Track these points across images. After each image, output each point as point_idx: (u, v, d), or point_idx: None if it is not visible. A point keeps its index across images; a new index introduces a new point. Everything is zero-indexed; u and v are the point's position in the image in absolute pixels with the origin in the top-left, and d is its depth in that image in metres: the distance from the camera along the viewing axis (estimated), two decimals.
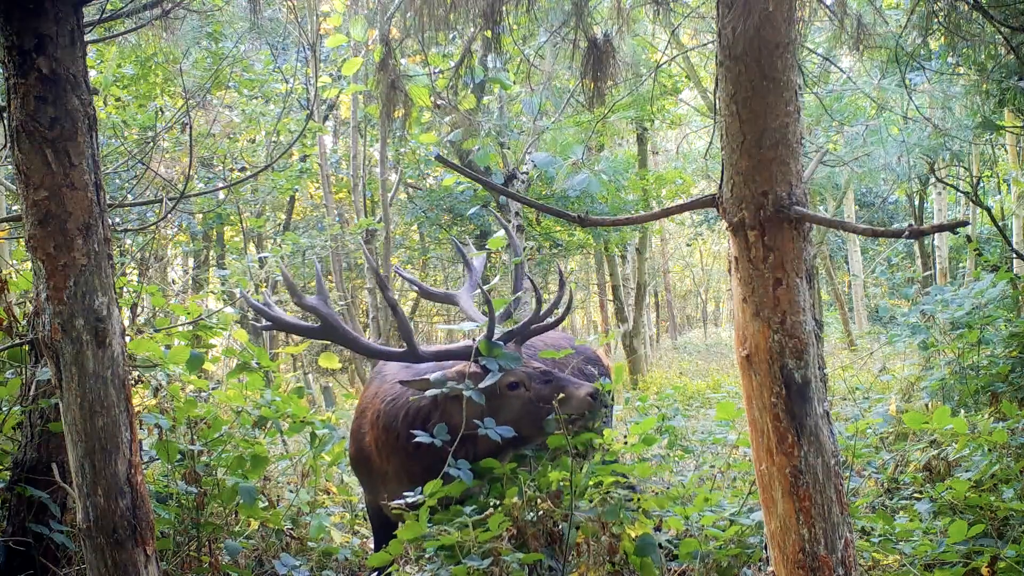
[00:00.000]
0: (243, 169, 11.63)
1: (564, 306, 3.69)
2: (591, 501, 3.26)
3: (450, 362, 3.44)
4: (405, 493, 3.26)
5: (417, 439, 3.22)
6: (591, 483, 3.25)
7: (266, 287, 10.60)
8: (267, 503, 4.08)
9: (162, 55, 8.07)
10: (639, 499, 3.37)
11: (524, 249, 8.72)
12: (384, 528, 3.67)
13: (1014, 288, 5.12)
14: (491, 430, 3.18)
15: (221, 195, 11.19)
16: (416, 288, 4.28)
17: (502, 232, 3.98)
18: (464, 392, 3.20)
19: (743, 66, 2.22)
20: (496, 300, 3.62)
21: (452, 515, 3.12)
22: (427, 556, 3.14)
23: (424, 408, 3.37)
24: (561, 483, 3.20)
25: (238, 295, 3.62)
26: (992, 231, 12.99)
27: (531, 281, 3.58)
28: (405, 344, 3.47)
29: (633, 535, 3.18)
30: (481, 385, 3.24)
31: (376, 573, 3.27)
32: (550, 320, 3.64)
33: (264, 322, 3.52)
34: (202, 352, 3.74)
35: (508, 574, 2.96)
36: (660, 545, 3.35)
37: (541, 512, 3.17)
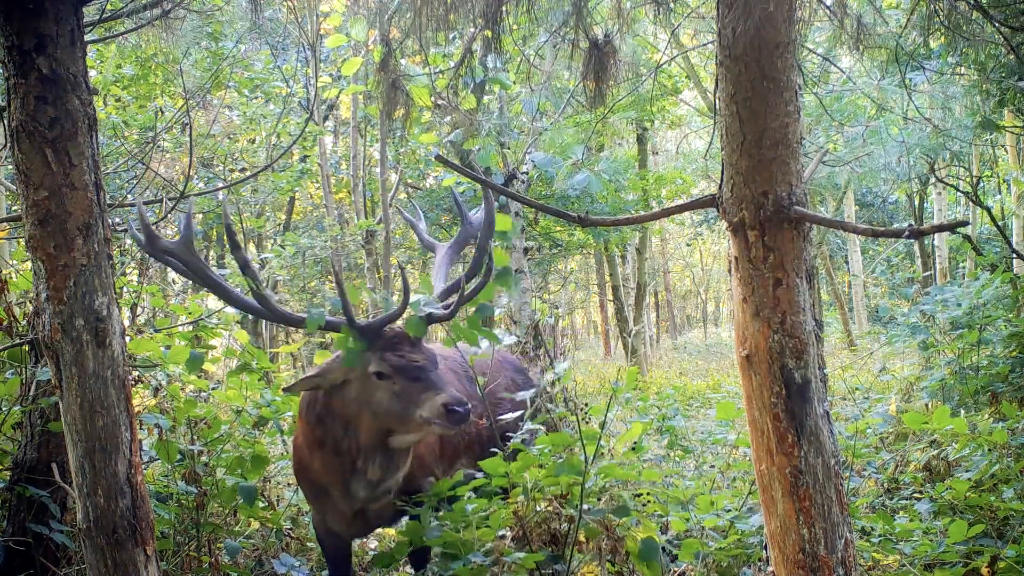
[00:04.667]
0: (243, 170, 11.62)
1: (457, 295, 3.32)
2: (598, 499, 3.25)
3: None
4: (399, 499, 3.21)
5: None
6: (597, 486, 3.24)
7: (266, 288, 10.60)
8: (267, 503, 4.08)
9: (162, 55, 8.06)
10: (647, 495, 3.37)
11: (526, 251, 8.73)
12: (338, 551, 3.49)
13: (1014, 288, 5.12)
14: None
15: (221, 195, 11.18)
16: (412, 227, 4.13)
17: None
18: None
19: (743, 66, 2.23)
20: (423, 276, 3.48)
21: (456, 514, 3.12)
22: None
23: (315, 396, 3.27)
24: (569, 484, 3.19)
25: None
26: (992, 231, 12.98)
27: (401, 268, 3.36)
28: (256, 298, 3.29)
29: (639, 537, 3.18)
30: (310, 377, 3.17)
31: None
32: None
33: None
34: (202, 352, 3.73)
35: (509, 573, 2.96)
36: (664, 550, 3.34)
37: (545, 512, 3.16)
